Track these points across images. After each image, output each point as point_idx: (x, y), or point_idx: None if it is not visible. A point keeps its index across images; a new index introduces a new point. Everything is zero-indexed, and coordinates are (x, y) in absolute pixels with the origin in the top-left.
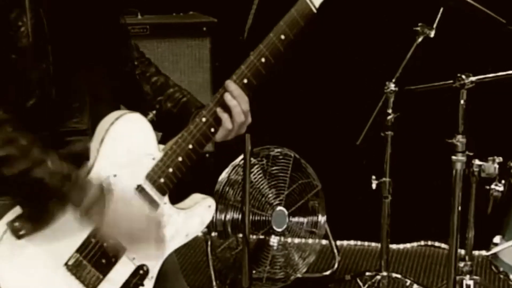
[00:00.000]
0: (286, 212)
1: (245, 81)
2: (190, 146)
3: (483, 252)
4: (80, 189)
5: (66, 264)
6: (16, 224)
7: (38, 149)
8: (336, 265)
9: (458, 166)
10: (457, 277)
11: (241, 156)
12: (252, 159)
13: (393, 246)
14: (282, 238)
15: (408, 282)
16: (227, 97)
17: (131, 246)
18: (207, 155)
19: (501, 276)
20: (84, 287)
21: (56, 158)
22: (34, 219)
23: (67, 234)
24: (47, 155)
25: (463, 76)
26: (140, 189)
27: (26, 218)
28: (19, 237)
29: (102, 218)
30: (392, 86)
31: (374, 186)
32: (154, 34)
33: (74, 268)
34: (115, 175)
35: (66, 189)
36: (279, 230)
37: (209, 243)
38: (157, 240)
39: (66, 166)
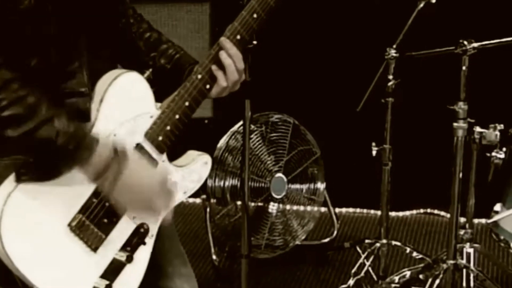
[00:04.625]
0: (285, 179)
1: (239, 37)
2: (187, 104)
3: (484, 220)
4: (86, 148)
5: (69, 225)
6: (22, 170)
7: (45, 107)
8: (335, 233)
9: (459, 133)
10: (458, 245)
11: (240, 122)
12: (251, 125)
13: (393, 214)
14: (281, 205)
15: (408, 249)
16: (222, 55)
17: (136, 211)
18: (206, 121)
19: (502, 244)
20: (87, 247)
21: (63, 116)
22: (40, 172)
23: (69, 196)
24: (54, 113)
25: (465, 42)
26: (139, 147)
27: (32, 168)
28: (19, 181)
29: (113, 184)
30: (393, 52)
31: (374, 153)
32: None
33: (77, 229)
34: (115, 135)
35: (73, 148)
36: (278, 197)
37: (207, 210)
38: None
39: (73, 125)
